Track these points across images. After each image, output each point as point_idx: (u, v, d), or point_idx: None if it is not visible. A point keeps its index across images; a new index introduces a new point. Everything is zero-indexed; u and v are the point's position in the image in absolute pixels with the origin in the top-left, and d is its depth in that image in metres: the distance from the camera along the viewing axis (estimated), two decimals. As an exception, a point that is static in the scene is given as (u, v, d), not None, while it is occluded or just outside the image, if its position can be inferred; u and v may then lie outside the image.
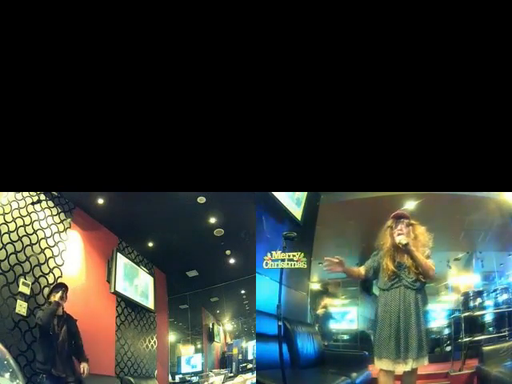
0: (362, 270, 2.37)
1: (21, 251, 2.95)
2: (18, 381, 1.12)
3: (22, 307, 2.81)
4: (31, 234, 3.11)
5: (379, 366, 2.16)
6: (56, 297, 2.72)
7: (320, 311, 4.30)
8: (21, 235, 2.98)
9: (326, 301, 4.34)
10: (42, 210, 3.32)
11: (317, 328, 4.10)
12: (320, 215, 4.00)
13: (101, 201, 3.83)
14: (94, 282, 3.96)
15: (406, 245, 2.14)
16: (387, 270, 2.20)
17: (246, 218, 3.91)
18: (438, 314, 4.06)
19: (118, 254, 4.42)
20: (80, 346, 2.86)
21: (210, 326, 7.36)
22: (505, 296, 3.56)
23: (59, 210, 3.56)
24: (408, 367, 2.09)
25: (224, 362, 7.38)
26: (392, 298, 2.18)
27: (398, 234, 2.20)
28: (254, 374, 3.07)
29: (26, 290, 2.90)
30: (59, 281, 3.31)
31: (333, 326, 4.23)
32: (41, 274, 3.12)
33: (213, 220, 4.43)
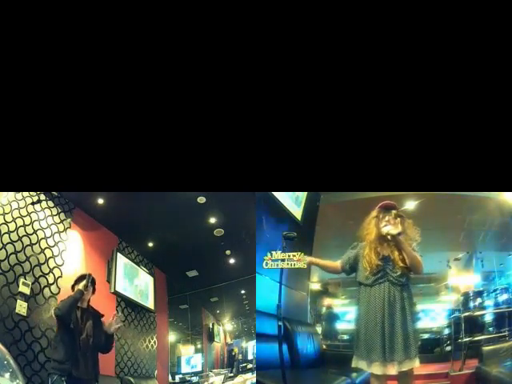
0: (338, 263, 2.22)
1: (21, 251, 2.94)
2: (17, 381, 1.12)
3: (21, 307, 2.81)
4: (31, 234, 3.10)
5: (369, 370, 1.99)
6: (80, 285, 2.35)
7: (324, 311, 4.30)
8: (21, 235, 2.98)
9: (329, 301, 4.35)
10: (42, 209, 3.32)
11: (320, 328, 4.10)
12: (320, 215, 4.00)
13: (101, 201, 3.83)
14: (94, 281, 3.96)
15: (398, 235, 1.96)
16: (370, 263, 2.02)
17: (246, 218, 3.91)
18: (438, 314, 4.07)
19: (118, 254, 4.42)
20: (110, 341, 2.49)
21: (210, 326, 7.36)
22: (505, 296, 3.57)
23: (59, 210, 3.56)
24: (393, 371, 1.92)
25: (224, 362, 7.39)
26: (376, 294, 2.00)
27: (385, 225, 2.01)
28: (254, 374, 3.07)
29: (26, 290, 2.89)
30: (59, 281, 3.32)
31: (336, 325, 4.23)
32: (41, 273, 3.12)
33: (213, 220, 4.43)
